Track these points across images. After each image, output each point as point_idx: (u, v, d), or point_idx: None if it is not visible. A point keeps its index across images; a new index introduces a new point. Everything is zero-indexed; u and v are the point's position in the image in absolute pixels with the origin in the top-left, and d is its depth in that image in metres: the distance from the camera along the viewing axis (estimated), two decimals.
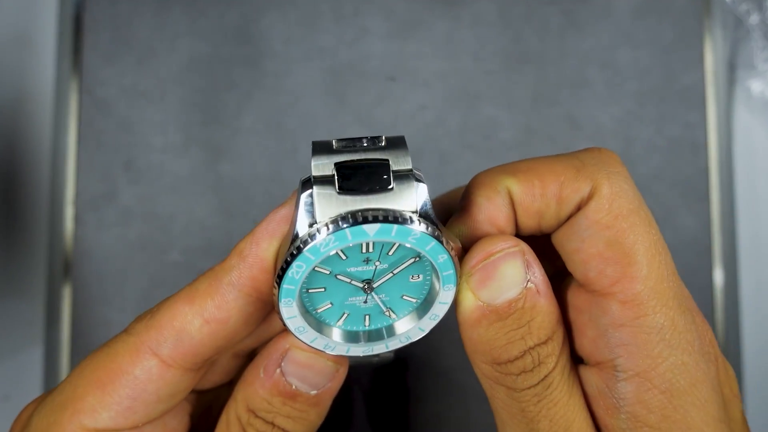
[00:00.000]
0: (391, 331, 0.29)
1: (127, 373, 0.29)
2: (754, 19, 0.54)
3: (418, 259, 0.28)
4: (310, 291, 0.28)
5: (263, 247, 0.28)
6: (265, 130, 0.52)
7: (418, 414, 0.51)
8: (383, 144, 0.27)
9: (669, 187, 0.52)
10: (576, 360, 0.32)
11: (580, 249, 0.28)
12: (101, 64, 0.53)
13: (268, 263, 0.28)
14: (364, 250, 0.27)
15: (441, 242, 0.26)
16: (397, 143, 0.27)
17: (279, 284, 0.26)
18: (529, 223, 0.29)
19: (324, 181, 0.26)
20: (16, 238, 0.53)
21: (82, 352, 0.51)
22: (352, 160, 0.26)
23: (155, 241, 0.51)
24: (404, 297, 0.29)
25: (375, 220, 0.25)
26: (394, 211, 0.26)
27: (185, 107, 0.52)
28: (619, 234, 0.27)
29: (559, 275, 0.35)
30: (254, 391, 0.30)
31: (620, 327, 0.27)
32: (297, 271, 0.26)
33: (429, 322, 0.29)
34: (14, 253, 0.53)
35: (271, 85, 0.53)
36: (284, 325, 0.28)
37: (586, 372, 0.29)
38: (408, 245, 0.26)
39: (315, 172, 0.26)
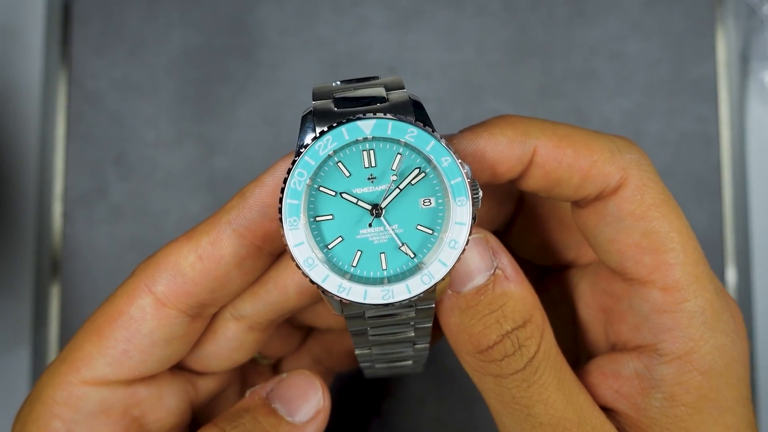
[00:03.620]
0: (410, 268, 0.28)
1: (123, 314, 0.30)
2: (767, 8, 0.53)
3: (423, 175, 0.28)
4: (318, 220, 0.27)
5: (265, 191, 0.29)
6: (260, 124, 0.51)
7: (420, 417, 0.50)
8: (378, 79, 0.28)
9: (680, 183, 0.50)
10: (589, 350, 0.33)
11: (615, 239, 0.29)
12: (91, 56, 0.51)
13: (268, 209, 0.29)
14: (366, 164, 0.27)
15: (441, 142, 0.27)
16: (394, 82, 0.28)
17: (282, 200, 0.27)
18: (535, 184, 0.30)
19: (322, 98, 0.28)
20: (2, 235, 0.52)
21: None
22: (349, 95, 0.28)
23: (147, 238, 0.50)
24: (419, 227, 0.28)
25: (370, 117, 0.26)
26: (389, 111, 0.27)
27: (178, 100, 0.51)
28: (653, 223, 0.28)
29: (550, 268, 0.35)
30: None
31: (663, 313, 0.29)
32: (299, 180, 0.27)
33: (449, 252, 0.27)
34: (0, 251, 0.52)
35: (266, 78, 0.51)
36: (292, 257, 0.27)
37: (621, 357, 0.30)
38: (404, 141, 0.27)
39: (315, 104, 0.28)
